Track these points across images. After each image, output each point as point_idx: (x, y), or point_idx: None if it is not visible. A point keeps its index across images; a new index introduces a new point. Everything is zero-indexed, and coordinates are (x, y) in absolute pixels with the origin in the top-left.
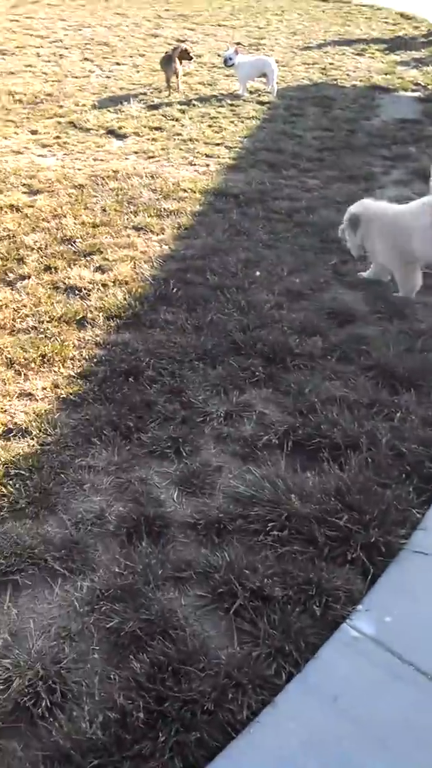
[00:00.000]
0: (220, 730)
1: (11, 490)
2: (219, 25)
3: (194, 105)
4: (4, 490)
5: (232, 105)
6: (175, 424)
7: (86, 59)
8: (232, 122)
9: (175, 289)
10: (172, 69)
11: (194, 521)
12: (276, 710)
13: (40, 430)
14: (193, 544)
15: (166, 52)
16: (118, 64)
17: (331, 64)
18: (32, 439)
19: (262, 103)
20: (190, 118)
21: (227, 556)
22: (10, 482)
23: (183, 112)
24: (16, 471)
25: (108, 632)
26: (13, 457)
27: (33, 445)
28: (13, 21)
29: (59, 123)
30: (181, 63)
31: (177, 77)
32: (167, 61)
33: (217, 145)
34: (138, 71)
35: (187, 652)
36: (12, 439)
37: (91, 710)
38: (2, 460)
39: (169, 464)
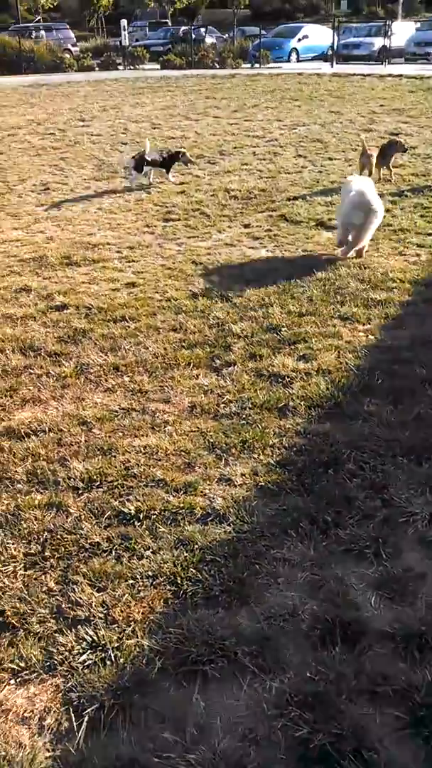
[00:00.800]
0: None
1: (206, 576)
2: None
3: (406, 196)
4: (199, 576)
5: None
6: (375, 522)
7: (300, 156)
8: None
9: (379, 381)
10: (362, 162)
11: (393, 631)
12: None
13: (237, 517)
14: (391, 656)
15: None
16: (330, 159)
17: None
18: (229, 525)
19: None
20: (402, 209)
21: (429, 676)
22: (206, 568)
23: (394, 203)
24: (212, 557)
25: (295, 741)
26: (210, 542)
27: (229, 532)
28: (233, 124)
29: (271, 216)
30: (390, 156)
31: (388, 170)
32: (362, 154)
33: (430, 235)
34: (350, 165)
35: None
36: (209, 523)
37: None
38: (199, 544)
39: (367, 565)
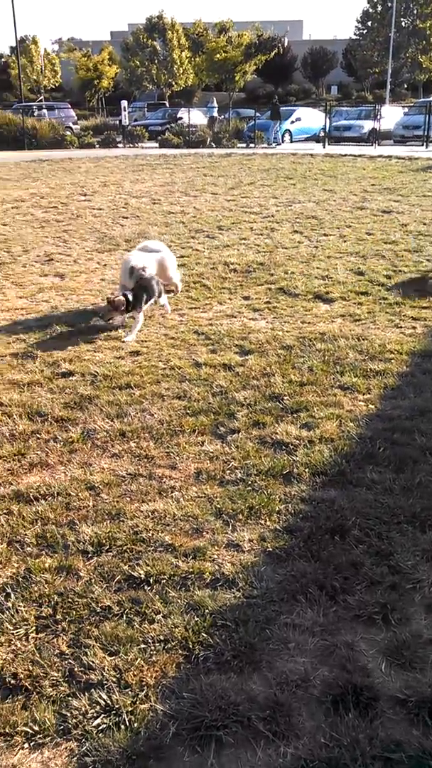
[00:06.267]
0: None
1: (218, 641)
2: (424, 196)
3: (400, 271)
4: (211, 640)
5: None
6: (382, 588)
7: (296, 231)
8: None
9: (381, 449)
10: None
11: (405, 697)
12: None
13: (246, 582)
14: (404, 722)
15: None
16: (325, 235)
17: None
18: (238, 590)
19: None
20: (396, 283)
21: None
22: (217, 633)
23: (389, 277)
24: (223, 622)
25: None
26: (220, 607)
27: (239, 597)
28: (231, 200)
29: (269, 289)
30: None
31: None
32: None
33: (425, 308)
34: (344, 241)
35: None
36: (219, 588)
37: None
38: (210, 609)
39: (376, 631)
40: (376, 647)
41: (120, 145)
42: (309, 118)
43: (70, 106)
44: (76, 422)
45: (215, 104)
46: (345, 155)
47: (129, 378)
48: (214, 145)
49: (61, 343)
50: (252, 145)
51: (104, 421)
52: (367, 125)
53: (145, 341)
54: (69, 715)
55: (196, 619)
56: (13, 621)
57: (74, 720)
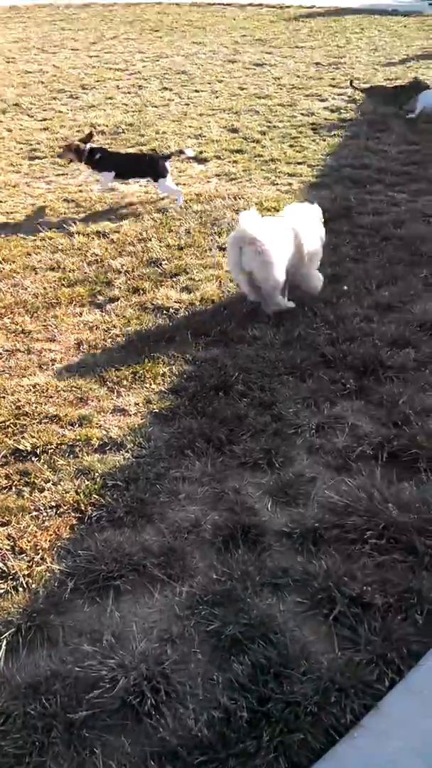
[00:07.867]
0: (323, 732)
1: (109, 500)
2: (297, 47)
3: (275, 126)
4: (102, 501)
5: (312, 124)
6: (266, 436)
7: (165, 88)
8: (313, 141)
9: (261, 306)
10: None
11: (290, 530)
12: (379, 715)
13: (134, 444)
14: (289, 552)
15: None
16: (197, 91)
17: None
18: (127, 452)
19: (344, 120)
20: (271, 139)
21: (324, 564)
22: (108, 493)
23: (263, 133)
24: (113, 482)
25: (208, 635)
26: (110, 469)
27: (128, 458)
28: (93, 57)
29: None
30: None
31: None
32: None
33: (300, 164)
34: (217, 97)
35: (288, 656)
36: (108, 452)
37: (195, 709)
38: (100, 472)
39: (262, 475)
40: (262, 489)
41: None
42: None
43: None
44: None
45: None
46: (213, 4)
47: None
48: None
49: None
50: None
51: None
52: None
53: (11, 213)
54: None
55: (87, 482)
56: None
57: None
